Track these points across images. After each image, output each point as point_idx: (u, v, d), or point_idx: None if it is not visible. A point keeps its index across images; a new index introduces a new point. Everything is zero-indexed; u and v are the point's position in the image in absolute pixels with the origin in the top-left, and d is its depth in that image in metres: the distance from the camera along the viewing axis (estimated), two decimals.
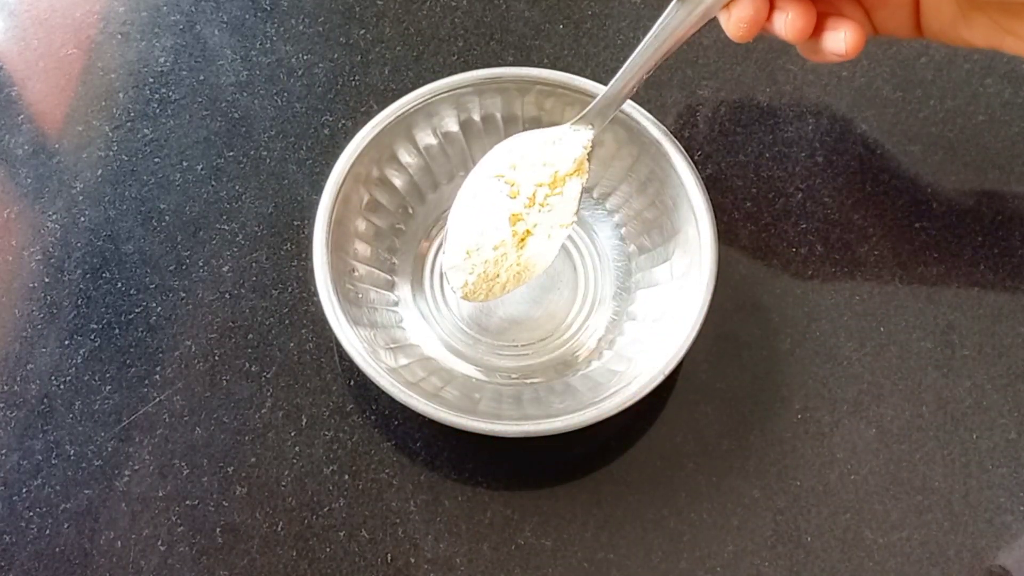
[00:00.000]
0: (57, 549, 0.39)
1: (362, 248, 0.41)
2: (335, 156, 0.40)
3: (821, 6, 0.35)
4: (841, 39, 0.35)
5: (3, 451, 0.40)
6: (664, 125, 0.40)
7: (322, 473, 0.40)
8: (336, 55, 0.49)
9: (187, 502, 0.39)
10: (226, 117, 0.48)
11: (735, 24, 0.34)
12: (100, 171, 0.46)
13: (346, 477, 0.40)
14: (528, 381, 0.40)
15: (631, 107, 0.41)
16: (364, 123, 0.41)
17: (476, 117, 0.43)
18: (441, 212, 0.44)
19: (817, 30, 0.35)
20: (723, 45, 0.49)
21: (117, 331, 0.43)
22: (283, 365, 0.42)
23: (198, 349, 0.42)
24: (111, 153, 0.47)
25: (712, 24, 0.35)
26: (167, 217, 0.45)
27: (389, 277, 0.42)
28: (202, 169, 0.46)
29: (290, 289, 0.43)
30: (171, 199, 0.46)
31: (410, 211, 0.44)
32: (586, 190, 0.40)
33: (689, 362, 0.41)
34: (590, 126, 0.39)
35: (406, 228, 0.44)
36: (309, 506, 0.39)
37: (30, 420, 0.41)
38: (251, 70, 0.49)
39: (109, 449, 0.40)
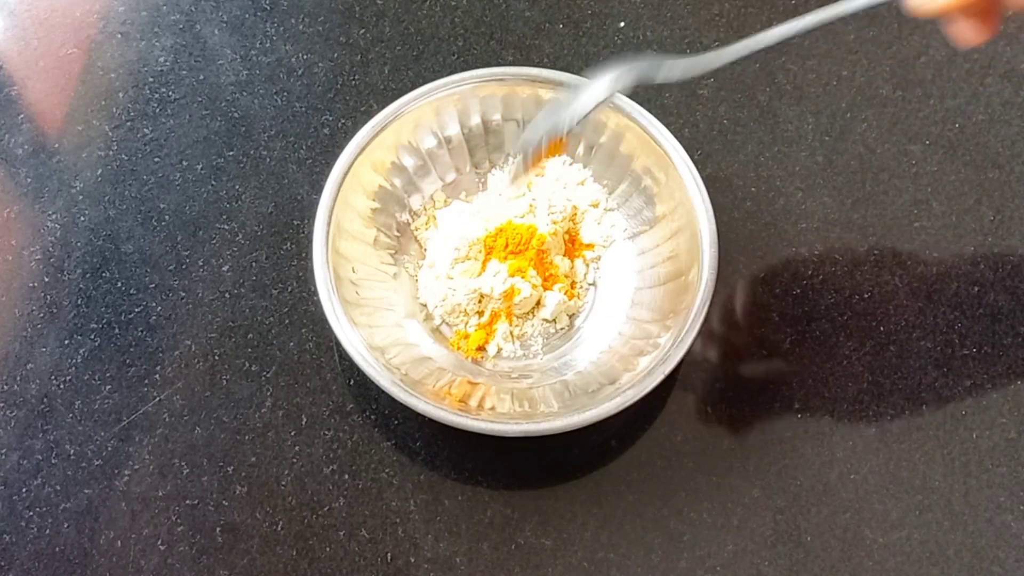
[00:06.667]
0: (57, 548, 0.39)
1: (362, 248, 0.41)
2: (335, 156, 0.40)
3: None
4: None
5: (3, 451, 0.40)
6: (664, 125, 0.40)
7: (322, 473, 0.40)
8: (336, 55, 0.49)
9: (187, 501, 0.39)
10: (226, 117, 0.48)
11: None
12: (100, 171, 0.46)
13: (346, 477, 0.40)
14: (528, 381, 0.40)
15: (631, 106, 0.41)
16: (364, 123, 0.41)
17: (476, 116, 0.43)
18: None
19: None
20: (723, 45, 0.49)
21: (117, 331, 0.43)
22: (283, 365, 0.42)
23: (198, 349, 0.42)
24: (111, 153, 0.47)
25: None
26: (167, 217, 0.45)
27: (389, 276, 0.42)
28: (202, 169, 0.46)
29: (290, 289, 0.43)
30: (171, 199, 0.46)
31: (410, 210, 0.44)
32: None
33: (689, 362, 0.41)
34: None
35: (405, 227, 0.44)
36: (309, 506, 0.39)
37: (30, 420, 0.41)
38: (251, 70, 0.49)
39: (109, 449, 0.40)
